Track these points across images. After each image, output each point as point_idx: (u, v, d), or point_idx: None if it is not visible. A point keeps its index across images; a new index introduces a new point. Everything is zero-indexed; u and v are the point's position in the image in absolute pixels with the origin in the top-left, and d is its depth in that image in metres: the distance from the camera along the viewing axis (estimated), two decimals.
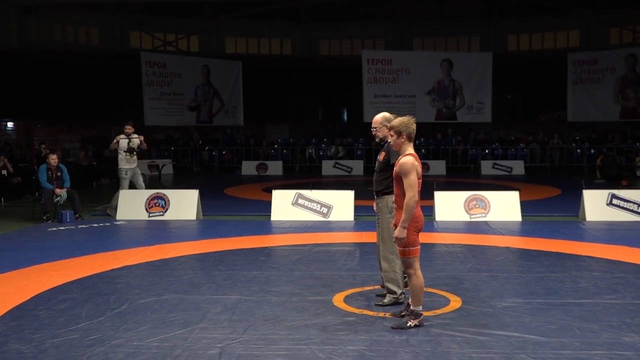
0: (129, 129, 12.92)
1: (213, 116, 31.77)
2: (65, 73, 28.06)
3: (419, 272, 5.48)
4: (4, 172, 16.05)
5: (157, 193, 12.68)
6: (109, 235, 10.68)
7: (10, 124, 28.55)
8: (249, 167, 25.87)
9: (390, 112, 6.39)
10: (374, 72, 30.97)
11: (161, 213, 12.36)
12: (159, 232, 10.99)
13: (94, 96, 28.84)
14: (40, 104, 27.15)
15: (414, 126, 5.51)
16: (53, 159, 12.58)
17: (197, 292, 6.68)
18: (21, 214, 13.17)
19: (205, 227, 11.55)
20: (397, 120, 5.54)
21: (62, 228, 11.33)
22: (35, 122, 27.53)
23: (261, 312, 5.91)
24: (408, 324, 5.38)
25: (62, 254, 8.85)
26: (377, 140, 6.21)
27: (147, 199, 12.55)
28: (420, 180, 5.45)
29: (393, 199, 5.93)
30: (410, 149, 5.47)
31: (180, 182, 21.34)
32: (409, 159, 5.35)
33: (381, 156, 6.19)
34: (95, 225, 11.70)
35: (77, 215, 12.32)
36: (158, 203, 12.44)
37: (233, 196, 16.80)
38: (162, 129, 30.66)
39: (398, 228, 5.36)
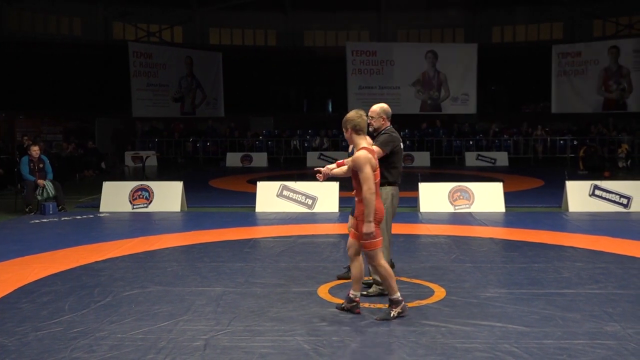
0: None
1: (196, 107, 31.66)
2: (47, 64, 27.80)
3: (383, 262, 5.49)
4: None
5: (141, 185, 12.61)
6: (92, 228, 10.62)
7: None
8: (233, 159, 25.80)
9: (375, 104, 6.41)
10: (359, 63, 30.99)
11: (145, 205, 12.30)
12: (143, 224, 10.94)
13: (77, 87, 28.59)
14: (22, 95, 26.87)
15: (362, 119, 5.54)
16: (35, 150, 12.47)
17: (182, 284, 6.66)
18: (3, 206, 13.05)
19: (190, 218, 11.51)
20: (349, 118, 5.56)
21: (45, 220, 11.24)
22: (17, 113, 27.24)
23: (246, 303, 5.90)
24: (392, 314, 5.41)
25: (45, 246, 8.79)
26: (370, 129, 6.21)
27: (131, 190, 12.48)
28: (377, 172, 5.48)
29: (386, 190, 5.97)
30: (364, 142, 5.49)
31: (164, 174, 21.24)
32: (362, 152, 5.36)
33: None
34: (78, 217, 11.63)
35: (60, 207, 12.23)
36: (142, 195, 12.37)
37: (218, 188, 16.75)
38: (148, 120, 30.50)
39: (365, 224, 5.32)
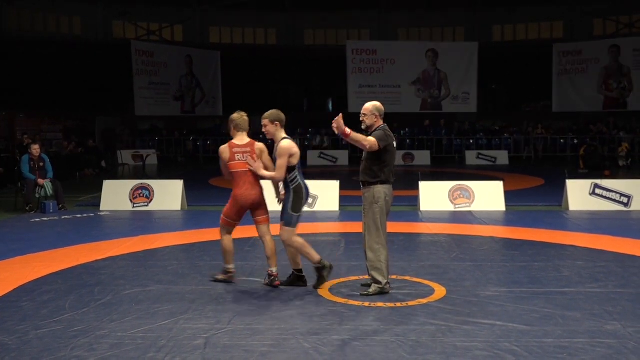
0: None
1: (195, 106, 31.67)
2: (47, 63, 27.78)
3: (226, 237, 6.54)
4: None
5: (142, 183, 12.61)
6: (93, 226, 10.62)
7: None
8: None
9: None
10: (359, 62, 31.00)
11: (146, 203, 12.30)
12: (144, 222, 10.95)
13: (77, 86, 28.58)
14: (23, 94, 26.86)
15: (242, 119, 6.61)
16: (35, 149, 12.47)
17: (182, 282, 6.66)
18: (3, 205, 13.05)
19: (190, 217, 11.51)
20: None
21: (45, 219, 11.25)
22: (17, 112, 27.25)
23: (246, 302, 5.91)
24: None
25: (46, 245, 8.79)
26: (362, 127, 6.22)
27: (132, 189, 12.48)
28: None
29: (379, 189, 5.99)
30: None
31: (164, 173, 21.24)
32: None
33: None
34: (79, 216, 11.63)
35: (60, 206, 12.23)
36: (142, 193, 12.37)
37: (218, 186, 16.73)
38: (149, 118, 30.52)
39: (265, 172, 6.30)
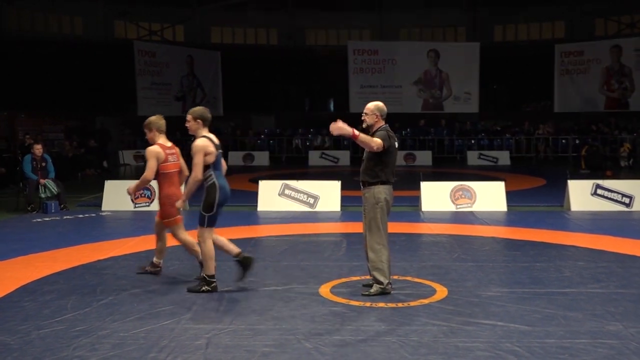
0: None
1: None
2: (48, 63, 27.78)
3: (184, 236, 6.83)
4: None
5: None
6: (94, 226, 10.63)
7: None
8: (235, 158, 25.81)
9: None
10: (360, 62, 31.01)
11: (147, 204, 12.30)
12: (145, 222, 10.91)
13: (78, 86, 28.59)
14: (24, 94, 26.87)
15: (162, 121, 6.97)
16: (38, 148, 12.48)
17: (184, 282, 6.66)
18: (5, 204, 13.06)
19: (192, 217, 11.47)
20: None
21: (47, 219, 11.26)
22: (19, 112, 27.26)
23: (248, 302, 5.91)
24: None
25: (48, 245, 8.80)
26: (363, 125, 6.22)
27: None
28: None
29: (380, 189, 5.99)
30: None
31: None
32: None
33: None
34: (80, 216, 11.64)
35: (62, 206, 12.24)
36: (144, 194, 12.37)
37: None
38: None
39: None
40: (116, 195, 12.38)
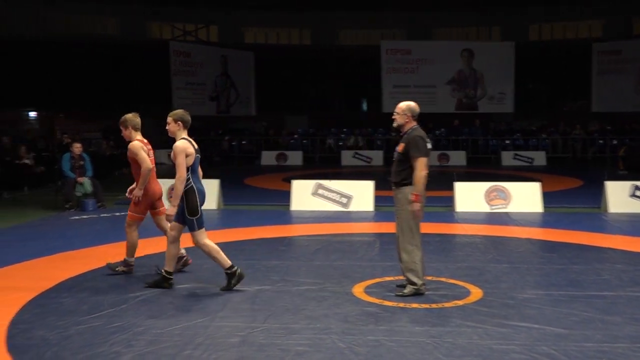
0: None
1: (230, 106, 31.96)
2: (86, 63, 28.26)
3: (135, 233, 7.02)
4: (27, 161, 16.25)
5: None
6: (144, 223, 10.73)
7: (33, 114, 28.83)
8: (268, 157, 25.92)
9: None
10: (393, 62, 30.89)
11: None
12: None
13: (115, 86, 29.03)
14: (62, 94, 27.38)
15: (138, 119, 7.09)
16: (77, 147, 12.71)
17: (218, 281, 6.70)
18: (44, 202, 13.30)
19: (226, 216, 11.60)
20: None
21: (84, 217, 11.45)
22: (58, 112, 27.78)
23: (281, 301, 5.93)
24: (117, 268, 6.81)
25: (85, 242, 8.95)
26: (394, 125, 6.18)
27: (168, 188, 12.59)
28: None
29: (411, 190, 5.94)
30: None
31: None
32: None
33: (400, 147, 6.14)
34: (117, 214, 11.78)
35: (99, 204, 12.44)
36: None
37: (253, 186, 16.85)
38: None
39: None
40: None
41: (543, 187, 12.43)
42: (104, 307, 5.77)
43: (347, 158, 25.61)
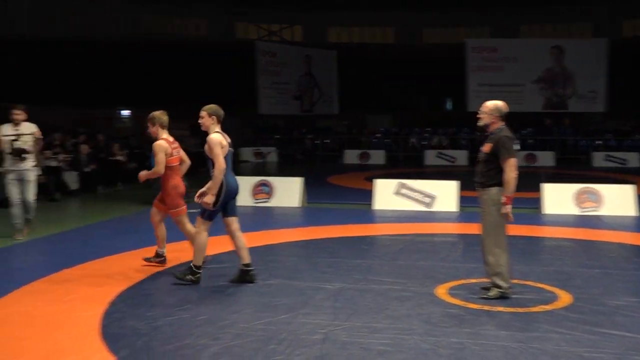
0: (17, 114, 9.05)
1: (313, 105, 32.24)
2: (175, 63, 29.15)
3: (189, 226, 7.11)
4: (120, 157, 16.92)
5: (262, 180, 12.97)
6: (217, 221, 10.99)
7: (125, 112, 30.00)
8: (351, 156, 25.98)
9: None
10: (479, 60, 30.32)
11: (266, 200, 12.64)
12: (264, 218, 11.26)
13: (202, 85, 29.79)
14: (153, 93, 28.34)
15: (166, 117, 7.45)
16: None
17: (301, 278, 6.79)
18: (137, 197, 13.80)
19: (309, 214, 11.72)
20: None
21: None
22: (149, 110, 28.73)
23: (364, 300, 5.94)
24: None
25: (175, 236, 9.19)
26: (479, 124, 6.05)
27: (253, 185, 12.86)
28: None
29: (497, 191, 5.81)
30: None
31: (284, 170, 21.71)
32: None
33: (486, 147, 6.01)
34: None
35: (186, 200, 12.79)
36: (263, 190, 12.73)
37: (336, 184, 16.94)
38: (268, 117, 31.38)
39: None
40: None
41: (638, 189, 11.89)
42: (192, 300, 5.94)
43: (431, 157, 25.35)
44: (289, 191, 12.63)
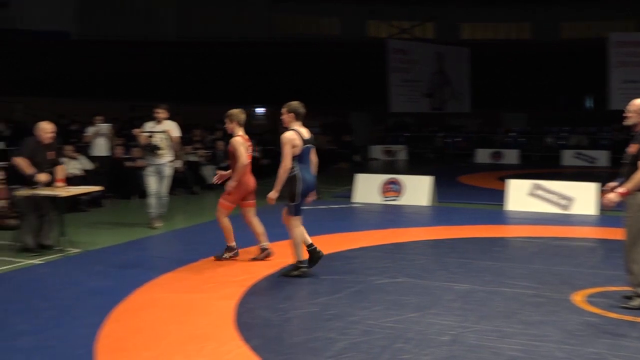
0: (159, 113, 9.81)
1: (444, 103, 31.78)
2: (308, 62, 29.75)
3: (226, 219, 7.45)
4: (256, 154, 17.52)
5: (392, 178, 12.96)
6: (345, 217, 11.17)
7: (260, 110, 31.01)
8: (483, 155, 25.35)
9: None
10: (623, 55, 28.49)
11: (395, 198, 12.61)
12: (393, 216, 11.24)
13: (334, 84, 30.22)
14: (286, 91, 29.08)
15: (244, 115, 7.55)
16: None
17: (430, 277, 6.73)
18: (269, 191, 14.22)
19: (438, 213, 11.57)
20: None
21: (303, 208, 12.03)
22: (281, 108, 29.56)
23: (494, 303, 5.79)
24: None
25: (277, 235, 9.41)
26: (625, 123, 5.69)
27: (382, 183, 12.89)
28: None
29: None
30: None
31: (414, 168, 21.56)
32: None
33: (632, 148, 5.63)
34: (333, 206, 12.29)
35: (317, 196, 13.04)
36: (392, 188, 12.71)
37: (466, 184, 16.60)
38: (398, 115, 31.31)
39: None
40: (366, 188, 12.87)
41: None
42: (321, 294, 6.06)
43: (568, 158, 24.19)
44: (418, 189, 12.53)
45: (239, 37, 29.03)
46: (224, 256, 7.53)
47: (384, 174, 13.85)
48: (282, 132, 7.31)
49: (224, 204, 7.44)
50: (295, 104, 6.96)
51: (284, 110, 6.91)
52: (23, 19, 23.94)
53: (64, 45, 25.00)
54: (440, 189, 13.08)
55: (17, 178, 8.10)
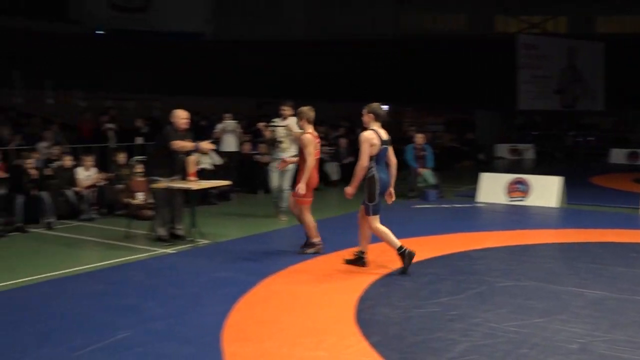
0: (284, 110, 10.18)
1: (575, 100, 30.32)
2: (434, 59, 29.37)
3: (309, 218, 7.67)
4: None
5: (518, 178, 12.54)
6: (469, 216, 10.95)
7: (384, 107, 31.01)
8: (618, 155, 23.95)
9: None
10: None
11: (522, 198, 12.20)
12: (519, 217, 10.89)
13: (459, 81, 29.63)
14: (411, 88, 28.88)
15: (313, 112, 7.67)
16: (420, 137, 13.43)
17: (558, 282, 6.45)
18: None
19: (567, 215, 11.07)
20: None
21: (426, 206, 11.97)
22: (405, 106, 29.41)
23: (629, 312, 5.47)
24: (306, 251, 7.52)
25: (427, 230, 9.36)
26: None
27: (508, 183, 12.50)
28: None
29: None
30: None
31: (541, 168, 20.74)
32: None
33: None
34: (457, 205, 12.08)
35: (440, 195, 12.91)
36: (519, 188, 12.30)
37: (599, 185, 15.76)
38: (524, 112, 30.27)
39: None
40: (491, 188, 12.54)
41: None
42: (442, 294, 5.98)
43: None
44: (546, 190, 12.04)
45: (365, 36, 29.18)
46: (307, 251, 7.73)
47: (510, 173, 13.42)
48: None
49: (303, 201, 7.59)
50: (375, 105, 7.08)
51: (364, 111, 7.04)
52: (160, 21, 25.31)
53: (199, 46, 26.19)
54: (571, 190, 12.50)
55: (154, 170, 8.59)
